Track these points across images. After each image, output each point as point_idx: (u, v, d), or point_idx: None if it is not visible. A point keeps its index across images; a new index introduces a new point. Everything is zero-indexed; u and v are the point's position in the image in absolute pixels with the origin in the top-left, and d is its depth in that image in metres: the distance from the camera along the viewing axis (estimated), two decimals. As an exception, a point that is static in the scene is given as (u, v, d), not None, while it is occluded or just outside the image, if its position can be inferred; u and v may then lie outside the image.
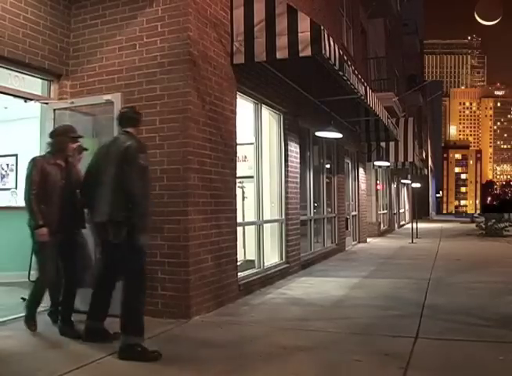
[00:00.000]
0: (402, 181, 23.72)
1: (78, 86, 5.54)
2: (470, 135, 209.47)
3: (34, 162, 4.33)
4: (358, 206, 14.27)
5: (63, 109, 5.36)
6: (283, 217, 7.79)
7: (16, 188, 8.19)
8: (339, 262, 9.71)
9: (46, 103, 5.40)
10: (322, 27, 5.45)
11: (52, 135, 4.49)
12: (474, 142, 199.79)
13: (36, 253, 4.36)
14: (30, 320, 4.43)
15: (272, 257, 7.59)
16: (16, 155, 8.34)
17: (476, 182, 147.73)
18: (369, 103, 8.09)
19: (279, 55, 5.65)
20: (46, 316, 4.71)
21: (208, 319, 5.03)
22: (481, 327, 4.63)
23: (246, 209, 7.19)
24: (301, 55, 5.52)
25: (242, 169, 6.62)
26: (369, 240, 14.92)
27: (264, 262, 7.02)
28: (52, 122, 5.35)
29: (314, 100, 8.93)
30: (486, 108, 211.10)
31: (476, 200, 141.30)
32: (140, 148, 3.96)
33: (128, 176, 3.80)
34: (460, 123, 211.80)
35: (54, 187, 4.29)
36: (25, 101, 5.25)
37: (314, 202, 9.70)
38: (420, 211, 24.03)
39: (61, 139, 4.41)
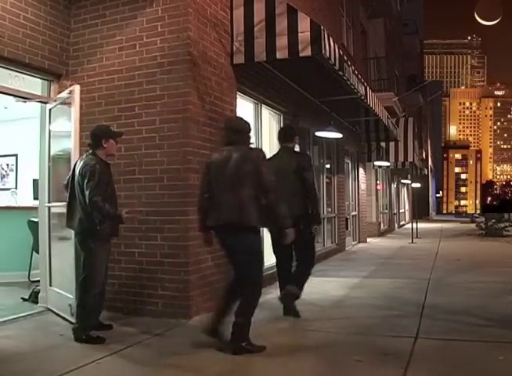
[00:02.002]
0: (402, 181, 23.71)
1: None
2: (470, 135, 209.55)
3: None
4: (358, 206, 14.26)
5: (59, 107, 5.35)
6: (283, 217, 7.77)
7: (16, 188, 8.20)
8: (339, 262, 9.70)
9: (45, 103, 5.40)
10: (322, 27, 5.45)
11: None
12: (474, 142, 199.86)
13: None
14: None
15: (272, 257, 7.56)
16: (16, 155, 8.36)
17: (476, 182, 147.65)
18: (369, 103, 8.09)
19: (279, 55, 5.64)
20: (43, 316, 4.70)
21: (208, 318, 5.02)
22: (481, 327, 4.63)
23: (246, 209, 7.17)
24: (301, 55, 5.52)
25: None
26: (369, 240, 14.91)
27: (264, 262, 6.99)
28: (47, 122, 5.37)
29: (314, 100, 8.93)
30: (486, 108, 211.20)
31: (476, 200, 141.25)
32: (310, 162, 5.21)
33: (309, 185, 5.00)
34: (460, 123, 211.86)
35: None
36: (24, 101, 5.25)
37: (314, 202, 9.68)
38: (420, 211, 24.03)
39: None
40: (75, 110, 4.78)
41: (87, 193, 4.07)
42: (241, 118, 4.41)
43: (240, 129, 4.15)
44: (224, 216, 3.91)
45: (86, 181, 4.08)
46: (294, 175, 4.95)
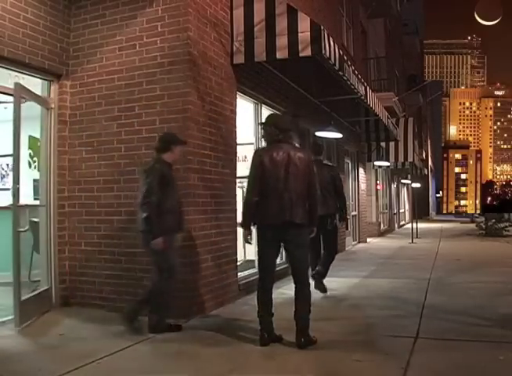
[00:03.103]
0: (402, 181, 23.71)
1: (78, 86, 5.55)
2: (470, 135, 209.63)
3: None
4: (358, 206, 14.26)
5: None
6: (283, 217, 7.78)
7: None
8: (339, 262, 9.62)
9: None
10: (322, 27, 5.45)
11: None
12: (474, 142, 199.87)
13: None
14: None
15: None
16: (16, 155, 8.33)
17: (476, 182, 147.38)
18: (369, 103, 8.09)
19: (279, 55, 5.65)
20: (43, 316, 4.70)
21: (208, 319, 5.03)
22: (481, 327, 4.63)
23: (246, 209, 7.16)
24: (301, 55, 5.53)
25: (242, 169, 6.61)
26: (369, 240, 14.91)
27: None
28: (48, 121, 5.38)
29: (314, 100, 8.92)
30: (486, 108, 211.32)
31: (476, 200, 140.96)
32: (338, 172, 6.72)
33: (340, 189, 6.41)
34: (460, 123, 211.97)
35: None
36: (24, 101, 5.25)
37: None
38: (420, 211, 24.03)
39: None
40: (16, 105, 4.77)
41: (143, 189, 4.29)
42: (285, 117, 4.57)
43: (288, 128, 4.30)
44: (288, 214, 4.03)
45: (148, 181, 4.30)
46: (327, 183, 6.15)
